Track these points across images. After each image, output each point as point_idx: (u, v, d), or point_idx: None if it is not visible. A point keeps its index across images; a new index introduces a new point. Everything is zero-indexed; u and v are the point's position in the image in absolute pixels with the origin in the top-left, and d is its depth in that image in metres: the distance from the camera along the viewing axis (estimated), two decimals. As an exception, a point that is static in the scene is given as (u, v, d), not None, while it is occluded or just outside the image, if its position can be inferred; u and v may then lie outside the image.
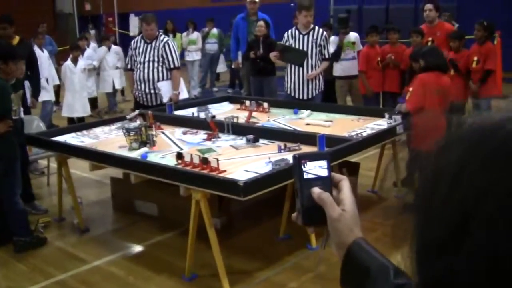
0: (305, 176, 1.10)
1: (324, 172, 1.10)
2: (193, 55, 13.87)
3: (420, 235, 0.48)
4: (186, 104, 7.43)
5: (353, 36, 8.98)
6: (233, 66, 12.16)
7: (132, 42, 7.50)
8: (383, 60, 8.57)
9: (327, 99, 8.26)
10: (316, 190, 1.07)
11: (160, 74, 7.17)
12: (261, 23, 9.06)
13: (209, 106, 7.15)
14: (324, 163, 1.11)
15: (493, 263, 0.41)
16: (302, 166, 1.11)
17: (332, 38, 8.83)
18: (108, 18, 22.64)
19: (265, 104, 6.79)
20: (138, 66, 7.23)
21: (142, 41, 7.31)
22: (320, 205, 1.06)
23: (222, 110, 6.90)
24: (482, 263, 0.42)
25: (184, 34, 14.01)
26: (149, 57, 7.18)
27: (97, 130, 6.24)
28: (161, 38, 7.30)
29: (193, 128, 5.86)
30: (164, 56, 7.17)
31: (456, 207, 0.44)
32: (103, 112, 12.10)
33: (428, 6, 8.50)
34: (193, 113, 6.61)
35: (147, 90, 7.20)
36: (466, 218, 0.43)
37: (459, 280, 0.44)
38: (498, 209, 0.41)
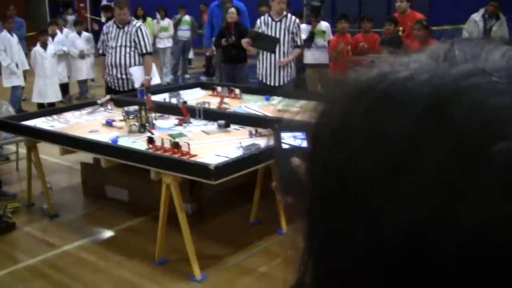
0: (284, 146, 1.11)
1: (303, 143, 1.11)
2: (165, 42, 13.77)
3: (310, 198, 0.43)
4: (158, 89, 7.39)
5: (324, 25, 9.00)
6: (207, 54, 12.12)
7: (104, 27, 7.45)
8: (356, 49, 8.60)
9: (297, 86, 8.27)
10: (295, 160, 1.08)
11: (132, 59, 7.12)
12: (233, 10, 9.04)
13: (181, 92, 7.12)
14: (303, 134, 1.12)
15: (374, 224, 0.37)
16: (281, 136, 1.11)
17: (304, 26, 8.84)
18: (80, 3, 22.37)
19: (237, 90, 6.78)
20: (110, 51, 7.17)
21: (114, 26, 7.23)
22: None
23: (194, 96, 6.88)
24: (362, 227, 0.38)
25: (155, 21, 13.89)
26: (121, 42, 7.12)
27: (68, 115, 6.18)
28: (134, 23, 7.25)
29: (165, 113, 5.84)
30: (136, 41, 7.12)
31: (334, 169, 0.40)
32: (74, 98, 11.98)
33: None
34: (164, 99, 6.59)
35: (118, 75, 7.15)
36: (343, 180, 0.39)
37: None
38: (378, 168, 0.37)
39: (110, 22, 7.41)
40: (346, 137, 0.39)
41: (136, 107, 5.42)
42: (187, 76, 14.24)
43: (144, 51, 7.18)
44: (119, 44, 7.13)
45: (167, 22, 13.85)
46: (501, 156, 0.33)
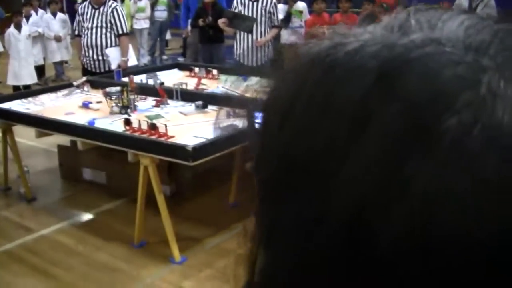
0: (256, 126, 1.09)
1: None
2: (142, 23, 13.63)
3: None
4: (135, 71, 7.32)
5: (301, 5, 8.98)
6: (183, 35, 12.02)
7: (80, 7, 7.32)
8: (333, 28, 8.56)
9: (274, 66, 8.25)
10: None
11: (108, 40, 7.04)
12: (209, -11, 8.96)
13: (158, 73, 7.04)
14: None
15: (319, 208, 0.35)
16: (254, 116, 1.09)
17: (281, 6, 8.81)
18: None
19: (214, 71, 6.74)
20: (86, 32, 7.07)
21: (90, 7, 7.11)
22: None
23: (171, 77, 6.82)
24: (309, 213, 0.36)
25: (132, 1, 13.74)
26: (97, 22, 7.01)
27: (44, 97, 6.10)
28: (109, 3, 7.13)
29: (142, 94, 5.78)
30: (112, 21, 7.02)
31: (281, 149, 0.38)
32: (50, 80, 11.84)
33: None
34: (141, 80, 6.52)
35: (95, 57, 7.05)
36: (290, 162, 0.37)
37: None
38: (323, 146, 0.35)
39: (85, 3, 7.28)
40: (292, 114, 0.37)
41: (118, 88, 5.37)
42: (164, 57, 14.13)
43: (120, 31, 7.09)
44: (95, 25, 7.02)
45: (144, 2, 13.69)
46: (451, 130, 0.31)
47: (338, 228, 0.34)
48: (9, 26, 10.22)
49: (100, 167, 5.95)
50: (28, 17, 11.15)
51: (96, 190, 5.89)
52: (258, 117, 0.46)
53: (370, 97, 0.34)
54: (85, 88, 6.29)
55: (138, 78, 6.54)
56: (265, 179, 0.40)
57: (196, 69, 6.88)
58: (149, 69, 7.58)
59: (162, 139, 4.35)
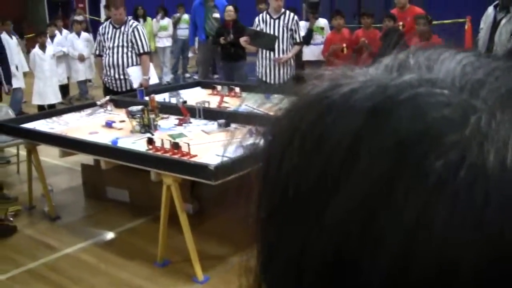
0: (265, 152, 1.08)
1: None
2: (164, 41, 13.73)
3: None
4: (158, 89, 7.37)
5: (322, 21, 8.99)
6: (190, 52, 12.10)
7: (100, 27, 7.40)
8: (356, 45, 8.55)
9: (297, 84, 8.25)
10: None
11: (130, 60, 7.09)
12: (230, 7, 9.03)
13: (181, 91, 7.09)
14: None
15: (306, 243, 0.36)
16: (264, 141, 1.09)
17: (303, 23, 8.82)
18: (79, 4, 22.33)
19: (237, 89, 6.75)
20: (107, 52, 7.13)
21: (111, 26, 7.20)
22: None
23: (193, 96, 6.85)
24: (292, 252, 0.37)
25: (154, 20, 13.86)
26: (118, 42, 7.08)
27: (67, 117, 6.15)
28: (130, 23, 7.23)
29: (165, 113, 5.80)
30: (133, 41, 7.09)
31: (279, 184, 0.39)
32: (74, 99, 11.95)
33: (400, -9, 8.53)
34: (164, 99, 6.55)
35: (116, 76, 7.11)
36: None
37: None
38: (313, 183, 0.36)
39: (106, 23, 7.38)
40: (290, 151, 0.39)
41: (139, 107, 5.40)
42: (187, 75, 14.19)
43: (141, 51, 7.15)
44: (116, 44, 7.09)
45: (166, 21, 13.80)
46: (436, 171, 0.32)
47: (322, 266, 0.35)
48: (34, 47, 10.34)
49: (123, 185, 5.97)
50: (52, 37, 11.29)
51: (119, 209, 5.90)
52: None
53: (359, 138, 0.35)
54: (109, 107, 6.33)
55: (161, 97, 6.58)
56: (266, 213, 0.41)
57: (219, 87, 6.90)
58: (172, 88, 7.62)
59: (185, 158, 4.36)
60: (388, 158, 0.33)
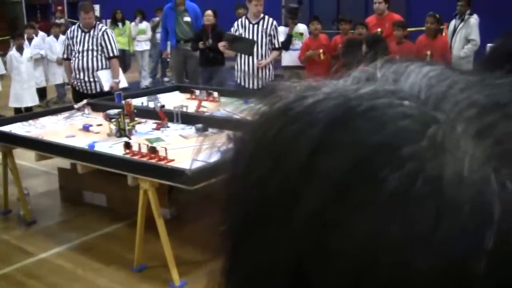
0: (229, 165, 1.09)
1: None
2: (143, 45, 13.68)
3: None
4: (136, 93, 7.35)
5: (301, 27, 9.02)
6: (162, 56, 12.10)
7: (69, 31, 7.46)
8: (334, 51, 8.59)
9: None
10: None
11: (99, 63, 7.15)
12: (209, 12, 9.03)
13: (159, 95, 7.07)
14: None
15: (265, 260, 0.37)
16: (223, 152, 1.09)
17: (282, 28, 8.85)
18: (58, 6, 22.17)
19: (215, 94, 6.75)
20: (77, 55, 7.16)
21: (79, 30, 7.24)
22: None
23: (172, 100, 6.83)
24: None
25: (133, 24, 13.81)
26: (88, 46, 7.13)
27: (44, 120, 6.10)
28: (99, 27, 7.30)
29: (142, 117, 5.78)
30: (103, 45, 7.15)
31: (242, 199, 0.40)
32: (51, 102, 11.86)
33: (378, -2, 8.60)
34: (142, 103, 6.53)
35: (86, 79, 7.15)
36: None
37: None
38: (273, 196, 0.36)
39: (74, 26, 7.43)
40: (254, 162, 0.39)
41: (117, 111, 5.38)
42: (166, 79, 14.16)
43: (111, 54, 7.21)
44: (85, 48, 7.14)
45: (144, 25, 13.77)
46: (389, 185, 0.31)
47: (282, 278, 0.35)
48: (11, 49, 10.26)
49: (101, 190, 5.94)
50: (30, 40, 11.20)
51: (96, 213, 5.86)
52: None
53: (317, 152, 0.35)
54: (86, 111, 6.29)
55: (139, 101, 6.56)
56: (229, 225, 0.41)
57: (197, 92, 6.89)
58: (150, 92, 7.60)
59: (162, 162, 4.34)
60: (344, 170, 0.33)
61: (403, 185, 0.31)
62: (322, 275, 0.33)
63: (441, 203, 0.31)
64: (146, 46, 13.73)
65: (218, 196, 0.43)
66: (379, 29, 8.31)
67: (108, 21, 14.39)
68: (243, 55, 7.54)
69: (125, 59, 13.45)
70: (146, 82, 13.40)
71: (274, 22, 7.63)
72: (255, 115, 0.42)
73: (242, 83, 7.59)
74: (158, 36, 13.66)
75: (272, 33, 7.53)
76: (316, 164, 0.34)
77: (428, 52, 7.63)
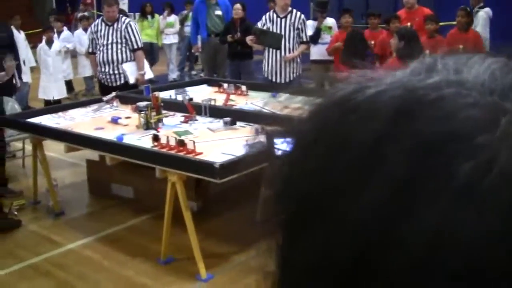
0: (277, 152, 1.07)
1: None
2: (171, 38, 13.71)
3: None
4: (164, 86, 7.38)
5: (330, 21, 8.96)
6: (192, 51, 12.09)
7: (93, 25, 7.52)
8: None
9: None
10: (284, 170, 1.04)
11: (124, 55, 7.20)
12: (238, 6, 9.01)
13: (187, 88, 7.08)
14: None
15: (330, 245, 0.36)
16: (273, 141, 1.07)
17: (310, 22, 8.80)
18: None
19: (243, 87, 6.74)
20: (101, 49, 7.22)
21: (103, 24, 7.30)
22: None
23: (200, 93, 6.84)
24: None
25: (161, 17, 13.85)
26: (112, 39, 7.19)
27: (73, 112, 6.15)
28: (123, 19, 7.34)
29: (171, 110, 5.79)
30: (127, 37, 7.20)
31: (302, 188, 0.39)
32: (80, 94, 11.96)
33: (409, -9, 8.53)
34: (170, 96, 6.55)
35: (110, 71, 7.21)
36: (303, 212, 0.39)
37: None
38: (338, 183, 0.36)
39: (98, 20, 7.49)
40: (314, 152, 0.39)
41: (147, 103, 5.39)
42: (193, 72, 14.18)
43: (135, 46, 7.26)
44: (109, 41, 7.19)
45: (173, 18, 13.80)
46: (464, 173, 0.31)
47: (341, 272, 0.35)
48: (41, 41, 10.36)
49: (128, 182, 5.97)
50: (60, 33, 11.30)
51: (123, 205, 5.89)
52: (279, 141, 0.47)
53: (384, 139, 0.34)
54: (115, 104, 6.33)
55: (167, 94, 6.58)
56: (286, 213, 0.40)
57: (225, 85, 6.89)
58: (178, 85, 7.63)
59: (190, 155, 4.34)
60: (412, 160, 0.33)
61: (477, 176, 0.31)
62: (388, 265, 0.32)
63: None
64: (174, 39, 13.77)
65: (267, 187, 0.43)
66: (409, 23, 8.23)
67: (137, 14, 14.46)
68: (271, 49, 7.52)
69: (153, 52, 13.51)
70: (173, 75, 13.43)
71: (302, 16, 7.60)
72: (312, 106, 0.42)
73: (270, 77, 7.57)
74: (186, 29, 13.69)
75: (300, 26, 7.50)
76: (383, 154, 0.34)
77: (461, 46, 7.54)
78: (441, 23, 8.26)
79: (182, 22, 13.82)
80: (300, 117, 0.42)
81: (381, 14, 8.96)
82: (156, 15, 13.88)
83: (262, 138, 0.50)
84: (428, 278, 0.31)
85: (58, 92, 10.13)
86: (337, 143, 0.37)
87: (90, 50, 7.53)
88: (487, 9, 8.85)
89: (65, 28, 11.71)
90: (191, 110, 5.54)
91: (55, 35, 10.84)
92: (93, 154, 6.12)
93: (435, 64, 0.39)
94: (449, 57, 0.39)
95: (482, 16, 8.61)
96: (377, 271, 0.33)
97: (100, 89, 7.45)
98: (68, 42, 11.43)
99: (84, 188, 6.46)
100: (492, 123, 0.32)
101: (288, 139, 0.43)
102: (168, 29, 13.70)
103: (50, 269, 4.70)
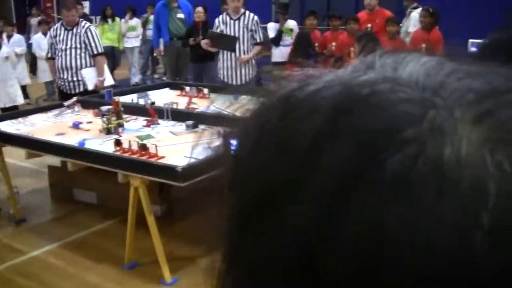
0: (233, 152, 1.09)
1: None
2: (133, 42, 13.65)
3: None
4: (126, 90, 7.33)
5: (291, 23, 9.02)
6: (154, 54, 12.06)
7: (52, 30, 7.29)
8: (325, 48, 8.61)
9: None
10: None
11: (83, 61, 7.01)
12: (200, 9, 9.03)
13: (149, 92, 7.06)
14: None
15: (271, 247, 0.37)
16: (230, 143, 1.09)
17: (272, 24, 8.85)
18: (47, 3, 22.07)
19: (205, 90, 6.75)
20: (60, 54, 7.01)
21: (62, 28, 7.08)
22: None
23: (162, 96, 6.82)
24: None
25: (123, 20, 13.76)
26: (71, 44, 6.98)
27: (34, 118, 6.08)
28: (82, 24, 7.12)
29: (133, 114, 5.77)
30: (87, 42, 7.01)
31: (246, 188, 0.40)
32: (41, 99, 11.80)
33: (370, -6, 8.65)
34: (132, 100, 6.52)
35: (69, 78, 7.00)
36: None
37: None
38: (278, 183, 0.37)
39: (57, 25, 7.26)
40: (258, 147, 0.40)
41: (109, 108, 5.35)
42: (156, 76, 14.14)
43: (95, 52, 7.08)
44: (69, 46, 6.99)
45: (135, 21, 13.73)
46: (394, 164, 0.33)
47: (287, 264, 0.35)
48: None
49: (91, 187, 5.93)
50: (10, 37, 11.11)
51: (86, 211, 5.85)
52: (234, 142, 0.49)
53: (321, 134, 0.36)
54: (76, 108, 6.28)
55: (129, 98, 6.55)
56: (231, 212, 0.41)
57: (187, 88, 6.88)
58: (140, 89, 7.59)
59: (152, 159, 4.34)
60: (347, 155, 0.34)
61: (405, 166, 0.33)
62: (329, 259, 0.34)
63: (442, 182, 0.32)
64: (136, 42, 13.71)
65: (220, 186, 0.44)
66: (369, 25, 8.34)
67: (98, 17, 14.36)
68: (225, 52, 7.55)
69: (114, 56, 13.43)
70: (136, 79, 13.37)
71: (256, 17, 7.65)
72: (256, 104, 0.43)
73: (225, 80, 7.60)
74: (148, 32, 13.64)
75: (253, 28, 7.54)
76: (321, 149, 0.35)
77: (423, 45, 7.70)
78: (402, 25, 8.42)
79: (144, 25, 13.77)
80: (244, 116, 0.44)
81: (342, 16, 9.05)
82: (117, 19, 13.79)
83: (220, 141, 0.52)
84: (362, 271, 0.33)
85: (10, 99, 9.87)
86: (279, 141, 0.38)
87: (50, 55, 7.34)
88: (419, 9, 9.10)
89: (14, 33, 11.51)
90: (153, 114, 5.53)
91: (5, 40, 10.61)
92: (54, 160, 6.06)
93: (374, 62, 0.40)
94: (388, 56, 0.41)
95: (415, 17, 8.85)
96: (319, 265, 0.34)
97: (58, 96, 7.30)
98: (18, 46, 11.21)
99: (46, 194, 6.40)
100: (420, 117, 0.34)
101: (235, 139, 0.44)
102: (130, 32, 13.63)
103: (13, 278, 4.64)
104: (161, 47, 10.29)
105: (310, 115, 0.37)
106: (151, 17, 13.59)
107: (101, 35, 13.56)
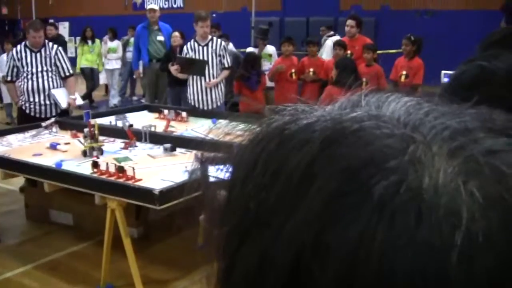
0: (210, 178, 1.12)
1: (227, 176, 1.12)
2: (113, 64, 13.63)
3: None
4: (105, 112, 7.33)
5: (271, 49, 9.13)
6: (134, 76, 12.11)
7: (14, 52, 6.94)
8: (302, 73, 8.70)
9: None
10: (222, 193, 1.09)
11: (55, 83, 6.91)
12: (176, 33, 9.12)
13: (127, 114, 7.07)
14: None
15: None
16: (207, 168, 1.12)
17: (251, 49, 8.94)
18: (26, 23, 21.98)
19: (184, 113, 6.78)
20: (29, 77, 6.81)
21: (28, 50, 6.88)
22: None
23: (140, 119, 6.84)
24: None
25: (103, 42, 13.75)
26: (42, 67, 6.84)
27: (11, 138, 6.06)
28: (50, 45, 7.02)
29: (111, 136, 5.78)
30: (58, 64, 6.93)
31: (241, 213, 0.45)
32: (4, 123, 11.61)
33: (350, 22, 8.82)
34: (110, 122, 6.53)
35: (42, 102, 6.87)
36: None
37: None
38: (272, 209, 0.42)
39: (21, 47, 6.95)
40: (253, 174, 0.44)
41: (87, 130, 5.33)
42: (135, 98, 14.13)
43: (67, 73, 7.02)
44: (39, 69, 6.83)
45: (115, 43, 13.73)
46: (377, 193, 0.37)
47: (280, 274, 0.39)
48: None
49: (67, 208, 5.91)
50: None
51: (63, 232, 5.82)
52: (211, 169, 0.53)
53: (314, 164, 0.40)
54: (54, 129, 6.27)
55: (108, 120, 6.55)
56: (228, 229, 0.45)
57: (165, 111, 6.91)
58: (119, 111, 7.59)
59: (130, 182, 4.35)
60: (337, 181, 0.39)
61: (389, 192, 0.37)
62: (320, 273, 0.38)
63: (421, 207, 0.37)
64: (116, 64, 13.69)
65: (197, 209, 0.49)
66: (349, 52, 8.46)
67: (78, 38, 14.34)
68: (194, 77, 7.60)
69: (93, 77, 13.42)
70: (114, 100, 13.34)
71: (223, 43, 7.74)
72: (251, 135, 0.48)
73: (195, 104, 7.62)
74: (128, 54, 13.65)
75: (221, 53, 7.62)
76: (313, 175, 0.40)
77: (404, 72, 7.85)
78: (380, 51, 8.53)
79: (124, 47, 13.78)
80: (240, 144, 0.48)
81: (319, 42, 9.17)
82: (97, 40, 13.79)
83: (198, 165, 0.56)
84: (348, 282, 0.37)
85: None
86: (276, 166, 0.43)
87: (9, 78, 7.00)
88: (335, 38, 9.47)
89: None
90: (131, 136, 5.55)
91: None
92: (20, 180, 6.01)
93: (359, 100, 0.46)
94: (372, 95, 0.46)
95: (328, 44, 9.20)
96: (310, 276, 0.38)
97: (19, 119, 7.11)
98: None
99: (22, 215, 6.35)
100: (402, 150, 0.39)
101: (228, 165, 0.49)
102: (111, 54, 13.61)
103: (-14, 299, 4.60)
104: (140, 69, 10.33)
105: (304, 145, 0.42)
106: (132, 39, 13.62)
107: (80, 56, 13.61)
